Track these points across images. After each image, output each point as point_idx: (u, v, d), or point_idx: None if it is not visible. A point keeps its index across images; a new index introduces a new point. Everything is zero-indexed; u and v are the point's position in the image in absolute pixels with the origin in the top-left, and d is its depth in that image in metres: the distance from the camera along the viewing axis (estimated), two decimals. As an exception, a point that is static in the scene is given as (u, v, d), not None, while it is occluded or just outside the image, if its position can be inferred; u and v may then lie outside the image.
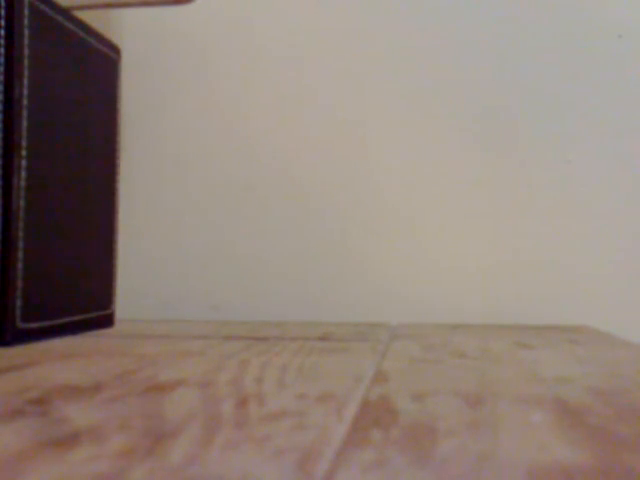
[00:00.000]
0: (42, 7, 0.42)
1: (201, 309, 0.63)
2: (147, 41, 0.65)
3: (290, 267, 0.63)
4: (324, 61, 0.63)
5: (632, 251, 0.60)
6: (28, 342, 0.41)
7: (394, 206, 0.62)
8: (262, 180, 0.64)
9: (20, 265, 0.40)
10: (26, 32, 0.41)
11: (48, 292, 0.43)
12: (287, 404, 0.24)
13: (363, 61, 0.63)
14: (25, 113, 0.40)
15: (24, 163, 0.40)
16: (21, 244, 0.40)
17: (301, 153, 0.63)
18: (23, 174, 0.40)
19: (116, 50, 0.52)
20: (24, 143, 0.40)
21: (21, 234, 0.40)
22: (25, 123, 0.40)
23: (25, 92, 0.40)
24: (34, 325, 0.42)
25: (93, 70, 0.49)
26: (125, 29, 0.65)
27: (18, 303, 0.40)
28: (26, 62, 0.41)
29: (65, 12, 0.45)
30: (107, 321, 0.50)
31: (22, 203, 0.40)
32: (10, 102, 0.39)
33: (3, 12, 0.40)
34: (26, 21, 0.41)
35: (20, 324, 0.40)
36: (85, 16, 0.50)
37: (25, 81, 0.40)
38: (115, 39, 0.54)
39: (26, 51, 0.41)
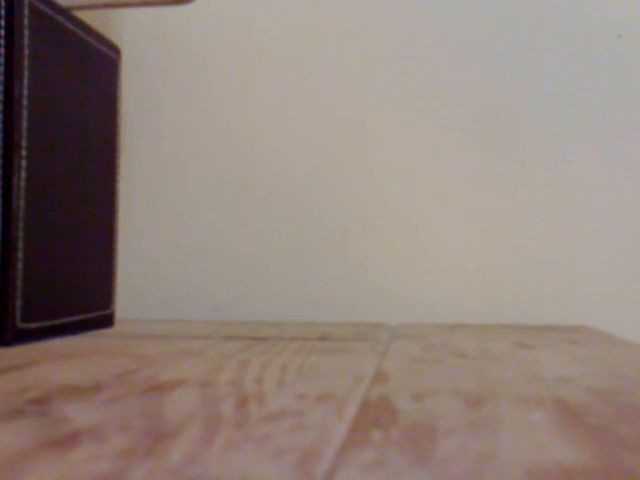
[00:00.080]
0: (42, 7, 0.42)
1: (201, 309, 0.63)
2: (147, 41, 0.65)
3: (290, 267, 0.63)
4: (324, 61, 0.63)
5: (632, 251, 0.60)
6: (28, 342, 0.41)
7: (394, 206, 0.62)
8: (262, 180, 0.64)
9: (20, 265, 0.40)
10: (26, 32, 0.41)
11: (48, 292, 0.43)
12: (287, 404, 0.24)
13: (363, 61, 0.63)
14: (25, 113, 0.40)
15: (24, 163, 0.40)
16: (21, 244, 0.40)
17: (301, 153, 0.63)
18: (23, 174, 0.40)
19: (116, 50, 0.52)
20: (24, 143, 0.40)
21: (21, 234, 0.40)
22: (25, 123, 0.40)
23: (25, 92, 0.40)
24: (34, 325, 0.41)
25: (93, 70, 0.49)
26: (125, 29, 0.65)
27: (18, 303, 0.40)
28: (26, 62, 0.41)
29: (65, 12, 0.45)
30: (107, 321, 0.50)
31: (22, 203, 0.40)
32: (10, 102, 0.39)
33: (3, 12, 0.40)
34: (26, 21, 0.41)
35: (20, 324, 0.40)
36: (85, 16, 0.50)
37: (25, 81, 0.40)
38: (115, 39, 0.54)
39: (26, 51, 0.41)
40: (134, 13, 0.65)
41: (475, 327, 0.55)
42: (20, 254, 0.40)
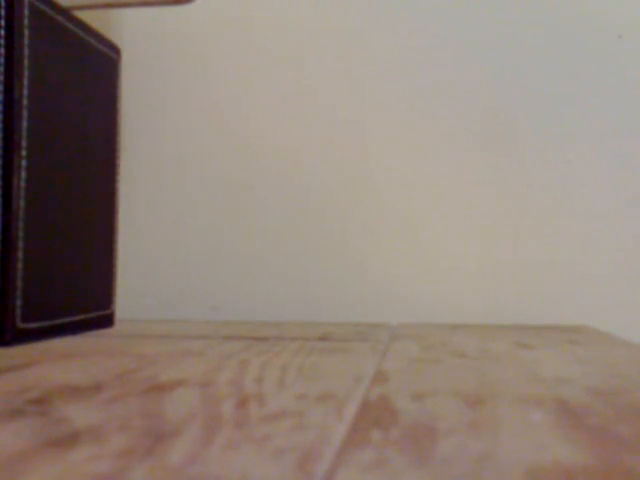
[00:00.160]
0: (42, 7, 0.42)
1: (201, 309, 0.63)
2: (147, 41, 0.65)
3: (290, 267, 0.63)
4: (324, 61, 0.63)
5: (632, 251, 0.60)
6: (28, 342, 0.41)
7: (394, 206, 0.62)
8: (261, 180, 0.64)
9: (20, 265, 0.40)
10: (26, 32, 0.41)
11: (48, 292, 0.43)
12: (287, 404, 0.24)
13: (363, 61, 0.63)
14: (25, 113, 0.40)
15: (24, 163, 0.40)
16: (21, 244, 0.40)
17: (301, 153, 0.63)
18: (23, 174, 0.40)
19: (116, 50, 0.52)
20: (24, 143, 0.40)
21: (21, 234, 0.40)
22: (25, 123, 0.40)
23: (25, 92, 0.40)
24: (34, 325, 0.41)
25: (93, 70, 0.49)
26: (125, 29, 0.65)
27: (18, 303, 0.40)
28: (26, 62, 0.41)
29: (65, 12, 0.45)
30: (107, 321, 0.50)
31: (22, 203, 0.40)
32: (10, 102, 0.39)
33: (3, 12, 0.40)
34: (26, 21, 0.41)
35: (20, 324, 0.40)
36: (85, 16, 0.50)
37: (25, 81, 0.40)
38: (115, 39, 0.54)
39: (26, 51, 0.41)
40: (134, 13, 0.65)
41: (475, 327, 0.55)
42: (20, 254, 0.40)
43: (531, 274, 0.61)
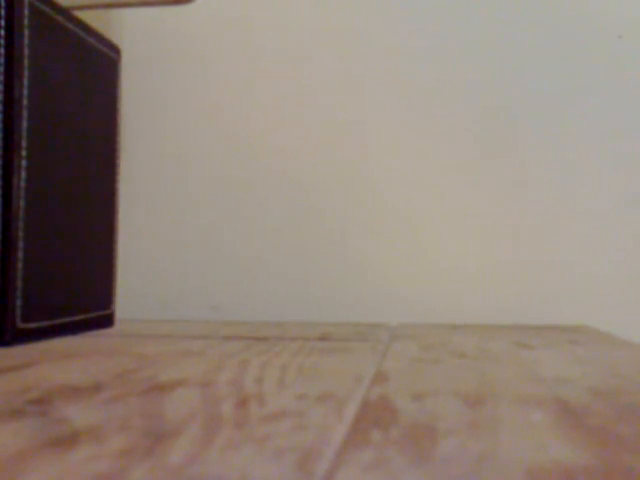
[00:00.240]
0: (42, 7, 0.42)
1: (201, 309, 0.63)
2: (147, 41, 0.65)
3: (290, 267, 0.63)
4: (324, 61, 0.63)
5: (632, 251, 0.60)
6: (28, 342, 0.41)
7: (394, 206, 0.62)
8: (262, 180, 0.64)
9: (20, 265, 0.40)
10: (26, 32, 0.41)
11: (48, 292, 0.43)
12: (287, 404, 0.24)
13: (363, 61, 0.63)
14: (25, 113, 0.40)
15: (24, 163, 0.40)
16: (21, 244, 0.40)
17: (301, 153, 0.63)
18: (23, 174, 0.40)
19: (116, 50, 0.52)
20: (24, 143, 0.40)
21: (21, 234, 0.40)
22: (25, 123, 0.40)
23: (25, 92, 0.40)
24: (34, 325, 0.41)
25: (93, 70, 0.49)
26: (125, 29, 0.65)
27: (18, 303, 0.40)
28: (26, 62, 0.41)
29: (65, 12, 0.45)
30: (107, 321, 0.50)
31: (22, 203, 0.40)
32: (10, 102, 0.39)
33: (3, 12, 0.40)
34: (26, 21, 0.41)
35: (20, 324, 0.40)
36: (85, 16, 0.50)
37: (25, 81, 0.40)
38: (115, 39, 0.54)
39: (26, 51, 0.41)
40: (134, 13, 0.65)
41: (475, 327, 0.55)
42: (20, 254, 0.40)
43: (531, 274, 0.61)
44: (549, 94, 0.61)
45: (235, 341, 0.44)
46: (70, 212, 0.46)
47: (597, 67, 0.61)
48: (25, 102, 0.40)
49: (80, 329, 0.47)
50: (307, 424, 0.21)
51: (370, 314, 0.61)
